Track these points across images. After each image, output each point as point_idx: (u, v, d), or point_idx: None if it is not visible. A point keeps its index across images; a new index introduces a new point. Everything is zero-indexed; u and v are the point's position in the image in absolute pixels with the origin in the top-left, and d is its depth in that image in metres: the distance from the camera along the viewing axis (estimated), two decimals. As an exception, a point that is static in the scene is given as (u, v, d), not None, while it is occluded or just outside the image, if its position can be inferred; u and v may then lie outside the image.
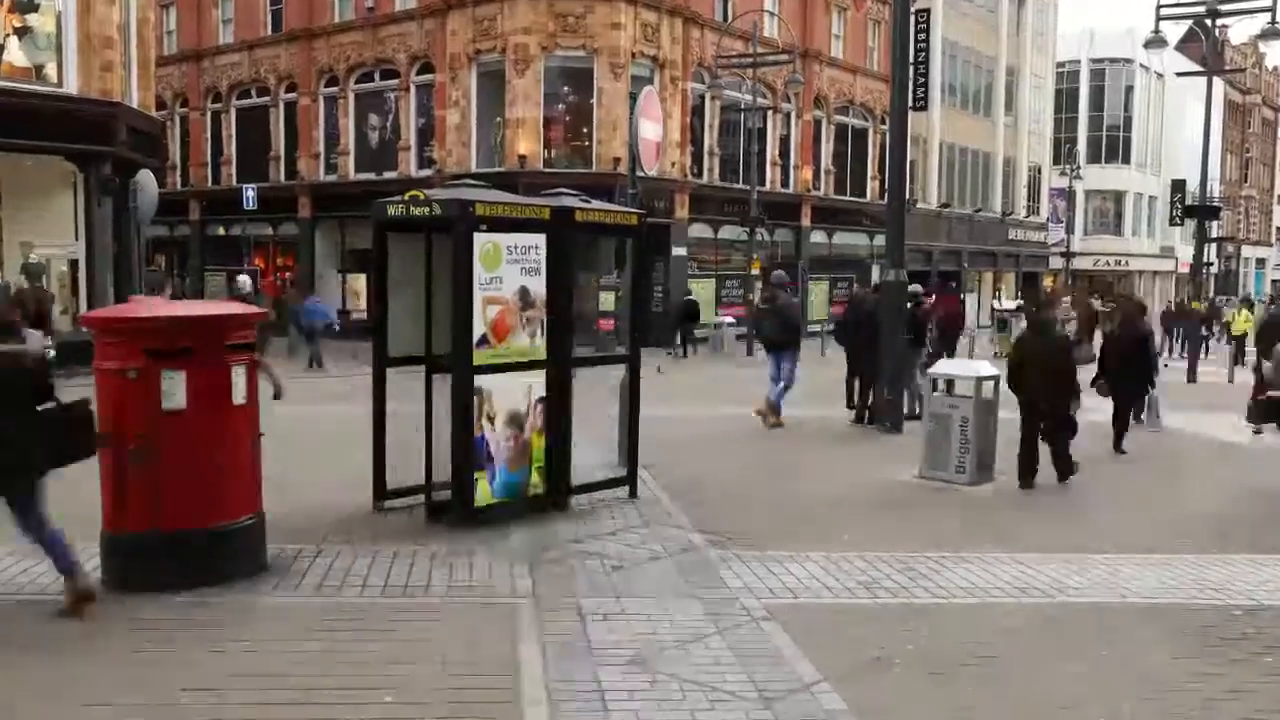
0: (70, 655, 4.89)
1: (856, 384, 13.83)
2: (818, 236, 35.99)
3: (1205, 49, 24.95)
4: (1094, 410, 12.47)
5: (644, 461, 8.92)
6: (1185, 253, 52.15)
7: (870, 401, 13.22)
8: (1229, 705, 4.70)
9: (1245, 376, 17.97)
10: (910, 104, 14.51)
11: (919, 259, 38.23)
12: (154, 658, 4.85)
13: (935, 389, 9.76)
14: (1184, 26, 39.69)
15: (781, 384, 13.15)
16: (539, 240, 7.47)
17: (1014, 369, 9.76)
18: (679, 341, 26.29)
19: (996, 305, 34.94)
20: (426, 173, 28.41)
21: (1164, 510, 8.78)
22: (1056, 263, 51.11)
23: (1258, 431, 12.99)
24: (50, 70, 18.17)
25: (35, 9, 18.09)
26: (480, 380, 7.18)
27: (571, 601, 5.78)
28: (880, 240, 32.23)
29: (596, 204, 8.25)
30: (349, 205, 28.27)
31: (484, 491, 7.30)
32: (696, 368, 23.05)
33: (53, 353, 6.39)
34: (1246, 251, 73.56)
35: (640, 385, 8.49)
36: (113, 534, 5.80)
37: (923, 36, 31.01)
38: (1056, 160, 52.76)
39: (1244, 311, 27.91)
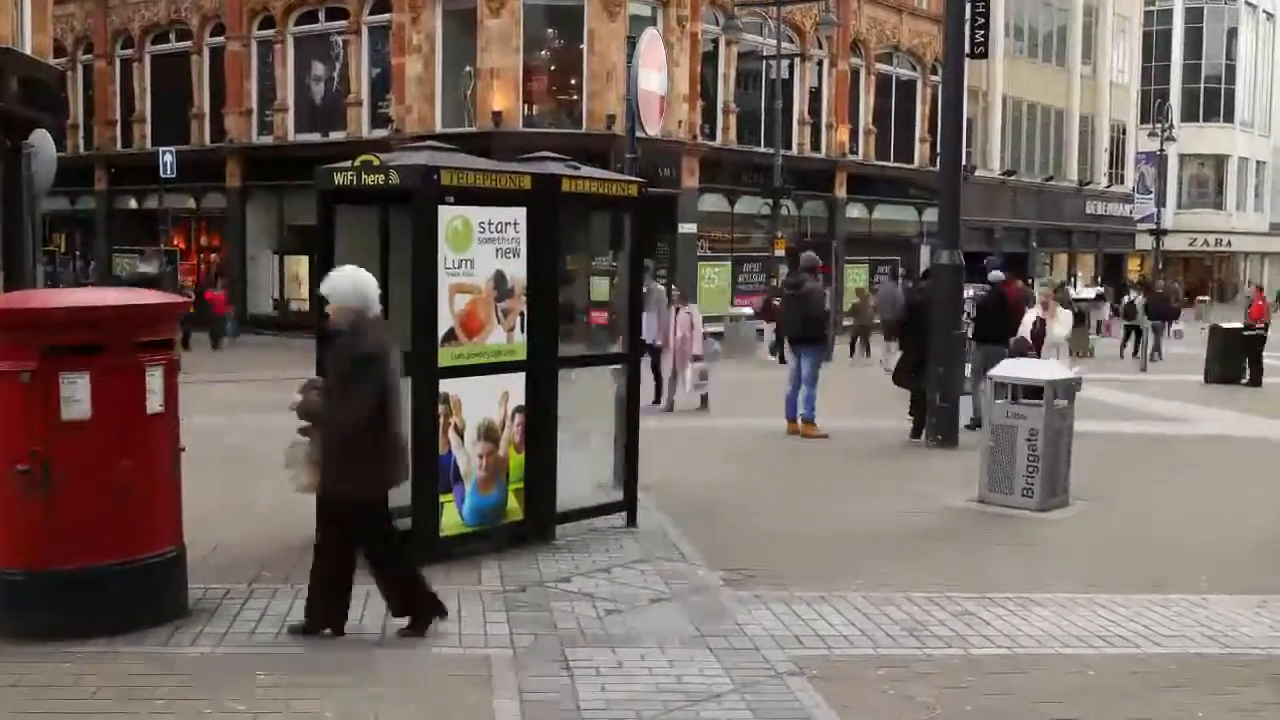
0: (-50, 717, 4.90)
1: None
2: (855, 210, 36.02)
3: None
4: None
5: (644, 483, 8.93)
6: (1300, 230, 52.23)
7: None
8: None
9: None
10: (968, 50, 14.54)
11: (978, 237, 38.22)
12: (51, 720, 4.85)
13: (998, 396, 9.77)
14: (1299, -44, 39.75)
15: (805, 388, 13.22)
16: (518, 215, 7.47)
17: None
18: None
19: (1072, 293, 34.95)
20: (381, 133, 28.41)
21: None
22: (1144, 242, 51.15)
23: None
24: (-75, 9, 18.16)
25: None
26: (446, 385, 7.18)
27: (557, 652, 5.78)
28: (931, 215, 32.24)
29: (588, 171, 8.25)
30: (288, 173, 28.24)
31: (451, 519, 7.30)
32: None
33: None
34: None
35: (640, 390, 8.49)
36: (0, 571, 5.80)
37: (983, -32, 30.99)
38: (1144, 119, 52.79)
39: None
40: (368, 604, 6.44)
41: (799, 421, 13.29)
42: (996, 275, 14.82)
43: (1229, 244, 61.39)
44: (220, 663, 5.55)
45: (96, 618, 5.74)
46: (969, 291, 13.75)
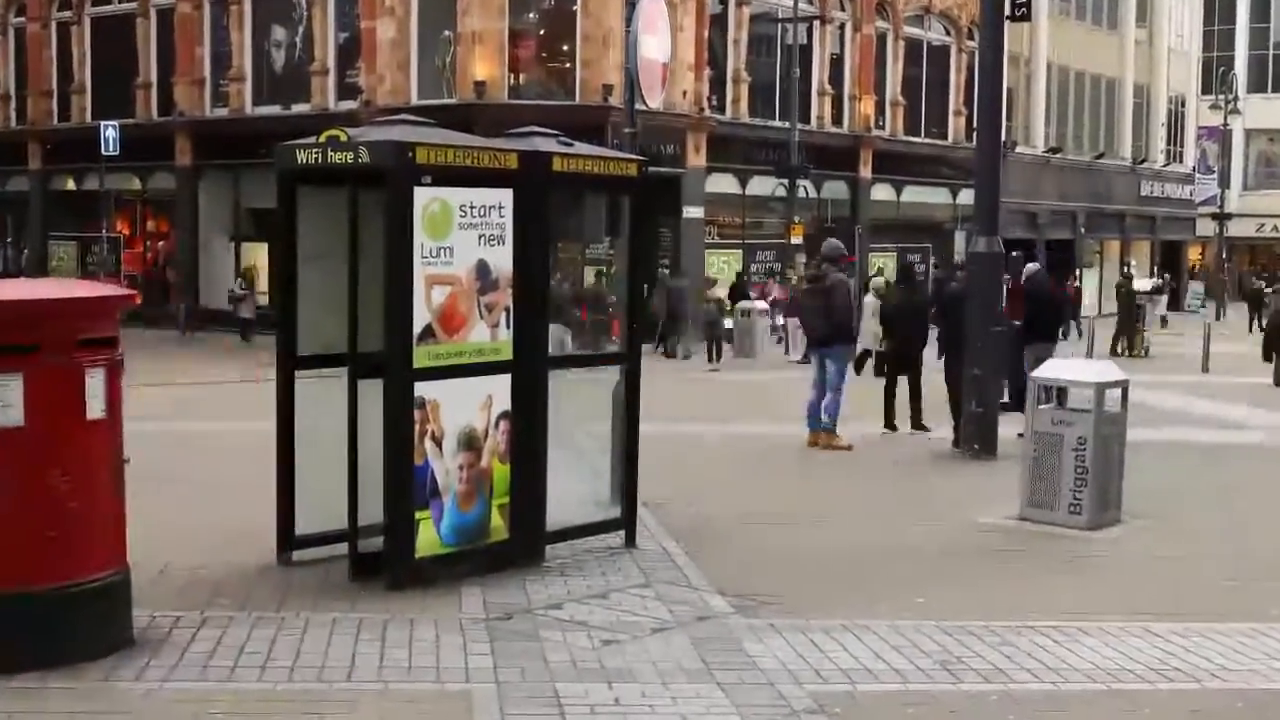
0: None
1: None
2: (881, 192, 36.03)
3: None
4: None
5: (645, 498, 8.93)
6: (1381, 214, 52.21)
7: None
8: None
9: None
10: (1008, 12, 14.55)
11: (1019, 222, 38.23)
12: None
13: (1041, 400, 9.78)
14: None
15: (829, 394, 13.13)
16: (503, 197, 7.47)
17: None
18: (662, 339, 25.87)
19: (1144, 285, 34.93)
20: (350, 105, 28.45)
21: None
22: (1206, 228, 51.16)
23: None
24: None
25: None
26: (422, 388, 7.17)
27: (547, 687, 5.78)
28: (966, 197, 32.26)
29: (581, 148, 8.25)
30: (245, 150, 28.31)
31: (428, 538, 7.30)
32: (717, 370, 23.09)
33: None
34: None
35: (640, 394, 8.49)
36: (-77, 596, 5.80)
37: (1025, -80, 31.00)
38: (1207, 89, 52.81)
39: None
40: (331, 633, 6.44)
41: (819, 431, 13.24)
42: (1033, 268, 14.90)
43: (1301, 229, 61.37)
44: (168, 700, 5.54)
45: (29, 648, 5.72)
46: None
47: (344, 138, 7.28)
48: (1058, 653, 6.50)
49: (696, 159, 29.73)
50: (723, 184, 31.09)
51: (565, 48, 28.23)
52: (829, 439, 13.18)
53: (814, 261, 14.98)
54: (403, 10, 28.39)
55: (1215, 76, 52.04)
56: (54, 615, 5.80)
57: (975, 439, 12.69)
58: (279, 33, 31.10)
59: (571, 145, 8.12)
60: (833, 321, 13.23)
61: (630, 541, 8.51)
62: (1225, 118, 48.16)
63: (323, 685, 5.77)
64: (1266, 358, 14.45)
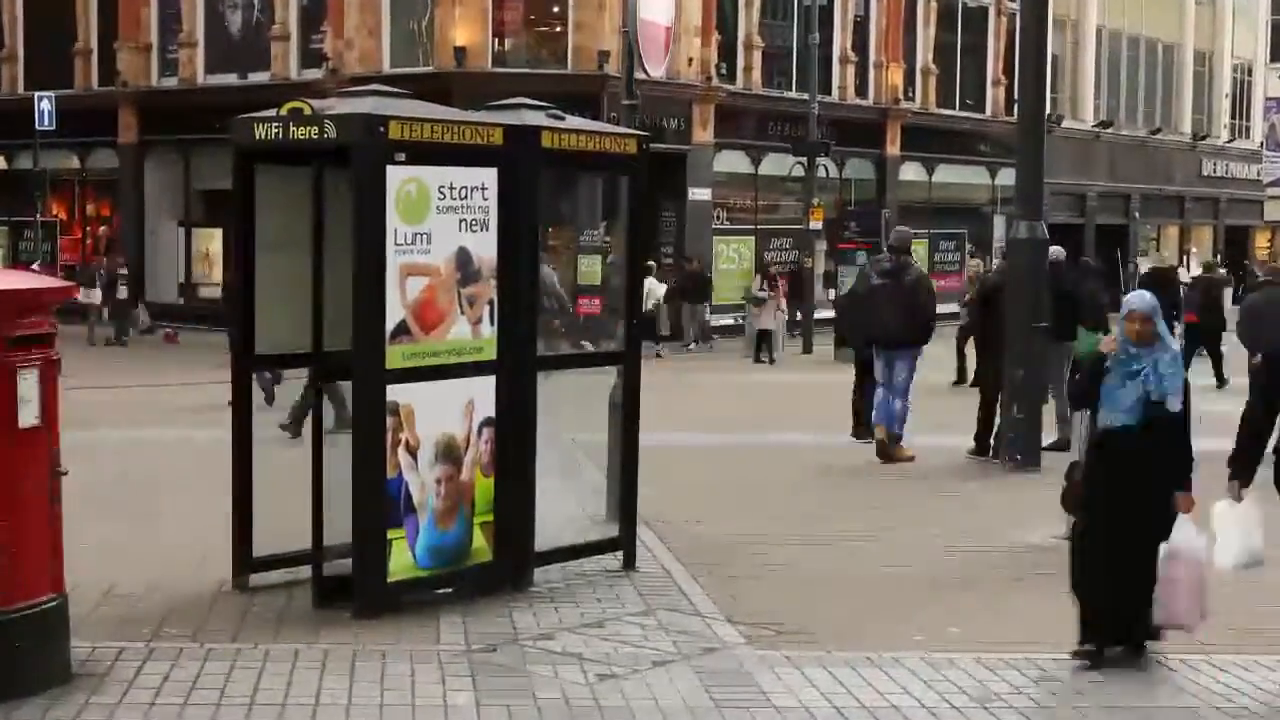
0: None
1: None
2: (911, 171, 36.00)
3: None
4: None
5: (646, 515, 8.93)
6: None
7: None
8: None
9: None
10: (1053, -30, 14.56)
11: (1067, 205, 38.17)
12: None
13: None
14: None
15: (895, 401, 13.04)
16: (487, 177, 7.48)
17: None
18: None
19: (1184, 276, 34.98)
20: (315, 74, 28.42)
21: None
22: (1276, 211, 51.08)
23: None
24: None
25: None
26: (396, 392, 7.18)
27: (536, 728, 5.79)
28: (1007, 178, 32.23)
29: (575, 122, 8.25)
30: (196, 125, 28.26)
31: (402, 560, 7.30)
32: (726, 373, 23.08)
33: None
34: None
35: (641, 398, 8.50)
36: None
37: None
38: (1276, 56, 52.77)
39: None
40: (294, 667, 6.44)
41: (883, 433, 13.09)
42: (1058, 251, 14.86)
43: (1381, 214, 61.32)
44: (111, 741, 5.55)
45: (-45, 684, 5.73)
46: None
47: (308, 110, 7.28)
48: (1108, 689, 6.50)
49: (703, 134, 29.70)
50: (733, 162, 31.07)
51: (556, 10, 28.20)
52: (897, 451, 13.06)
53: (878, 257, 14.99)
54: (374, -32, 28.39)
55: (1286, 41, 51.96)
56: (-18, 647, 5.80)
57: (1018, 448, 12.66)
58: (235, -7, 31.09)
59: (563, 119, 8.13)
60: (917, 322, 13.18)
61: (629, 564, 8.51)
62: (1298, 88, 48.07)
63: (284, 725, 5.77)
64: None
